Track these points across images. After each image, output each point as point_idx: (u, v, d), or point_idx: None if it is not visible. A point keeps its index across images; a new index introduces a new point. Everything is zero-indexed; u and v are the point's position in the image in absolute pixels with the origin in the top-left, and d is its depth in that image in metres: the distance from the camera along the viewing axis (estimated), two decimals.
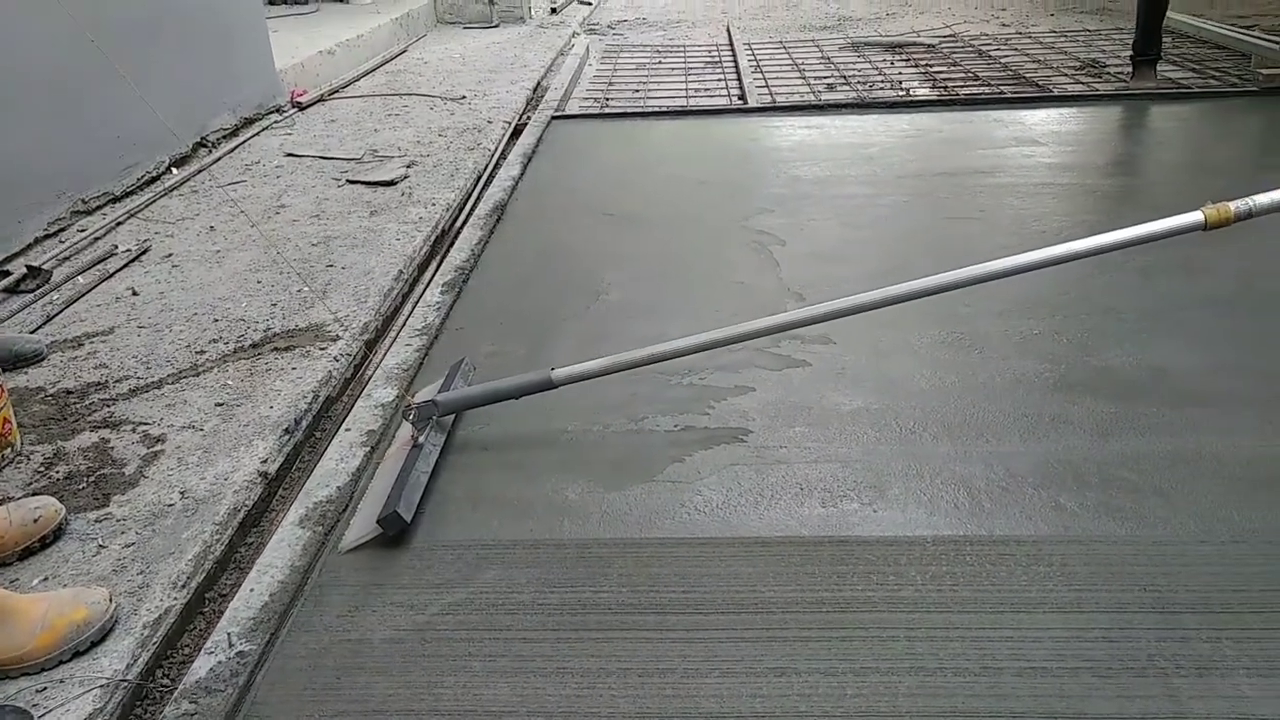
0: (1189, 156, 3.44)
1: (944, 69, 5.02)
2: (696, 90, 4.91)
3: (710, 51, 5.89)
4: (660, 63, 5.66)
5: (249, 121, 4.25)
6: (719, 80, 5.10)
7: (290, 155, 3.85)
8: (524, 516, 1.63)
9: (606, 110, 4.55)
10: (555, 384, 1.74)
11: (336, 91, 4.96)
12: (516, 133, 4.15)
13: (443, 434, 1.80)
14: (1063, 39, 5.58)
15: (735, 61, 5.45)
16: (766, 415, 1.89)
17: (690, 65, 5.53)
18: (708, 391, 1.98)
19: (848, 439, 1.80)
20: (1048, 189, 3.07)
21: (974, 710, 1.21)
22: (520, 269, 2.70)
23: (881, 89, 4.67)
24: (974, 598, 1.39)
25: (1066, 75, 4.69)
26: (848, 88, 4.70)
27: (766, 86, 4.84)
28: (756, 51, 5.74)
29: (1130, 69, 4.37)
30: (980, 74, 4.81)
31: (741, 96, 4.65)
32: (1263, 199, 1.63)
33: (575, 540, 1.56)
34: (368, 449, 1.84)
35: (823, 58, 5.48)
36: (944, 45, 5.58)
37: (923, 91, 4.57)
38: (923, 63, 5.19)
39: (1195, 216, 1.63)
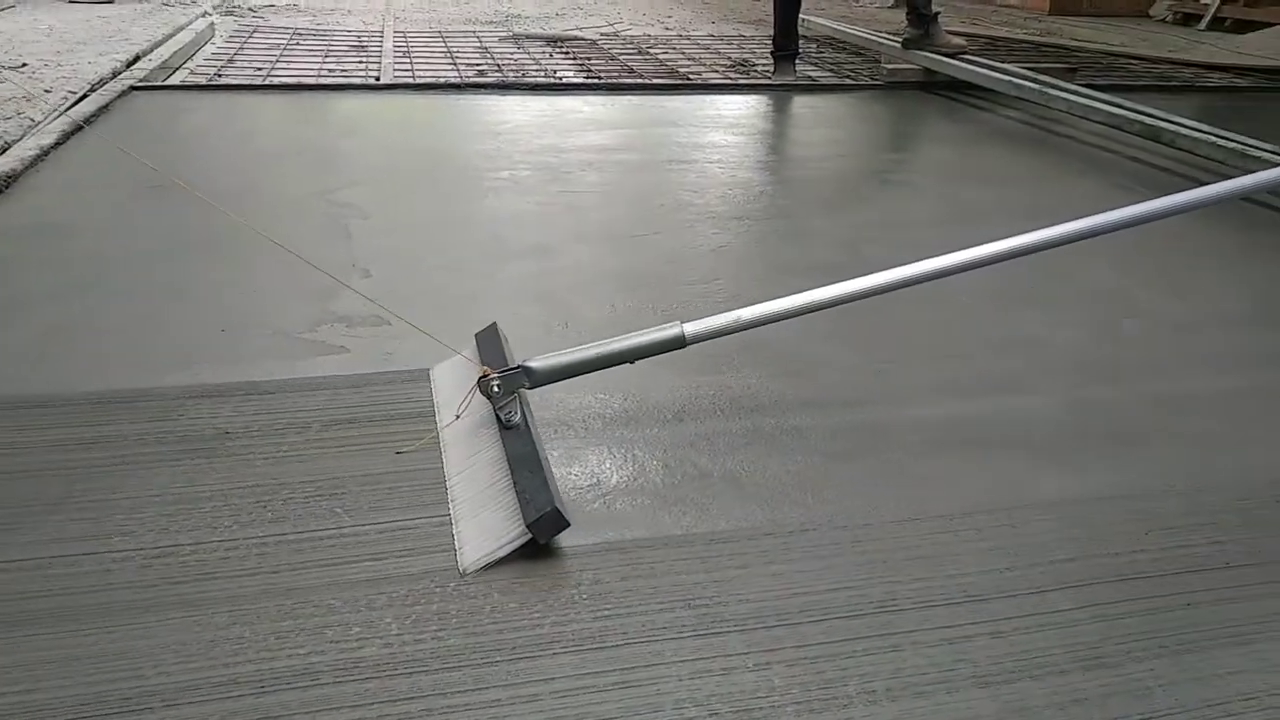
0: (819, 136, 3.40)
1: (602, 63, 4.82)
2: (332, 70, 4.35)
3: (358, 37, 5.33)
4: (298, 44, 5.03)
5: None
6: (359, 63, 4.57)
7: None
8: None
9: (211, 84, 3.87)
10: (688, 341, 1.34)
11: None
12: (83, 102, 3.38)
13: (528, 409, 1.35)
14: (719, 42, 5.60)
15: (382, 47, 4.95)
16: None
17: (332, 48, 4.94)
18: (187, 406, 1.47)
19: (306, 445, 1.36)
20: (677, 165, 2.85)
21: None
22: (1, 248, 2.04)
23: (535, 77, 4.37)
24: (466, 646, 0.99)
25: (717, 72, 4.63)
26: (500, 74, 4.36)
27: (411, 71, 4.39)
28: (411, 40, 5.27)
29: (772, 65, 4.39)
30: (635, 68, 4.65)
31: (377, 77, 4.16)
32: None
33: None
34: None
35: (480, 48, 5.12)
36: (604, 42, 5.42)
37: (576, 81, 4.32)
38: (581, 56, 4.97)
39: None
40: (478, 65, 4.58)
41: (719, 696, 0.93)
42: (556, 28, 5.97)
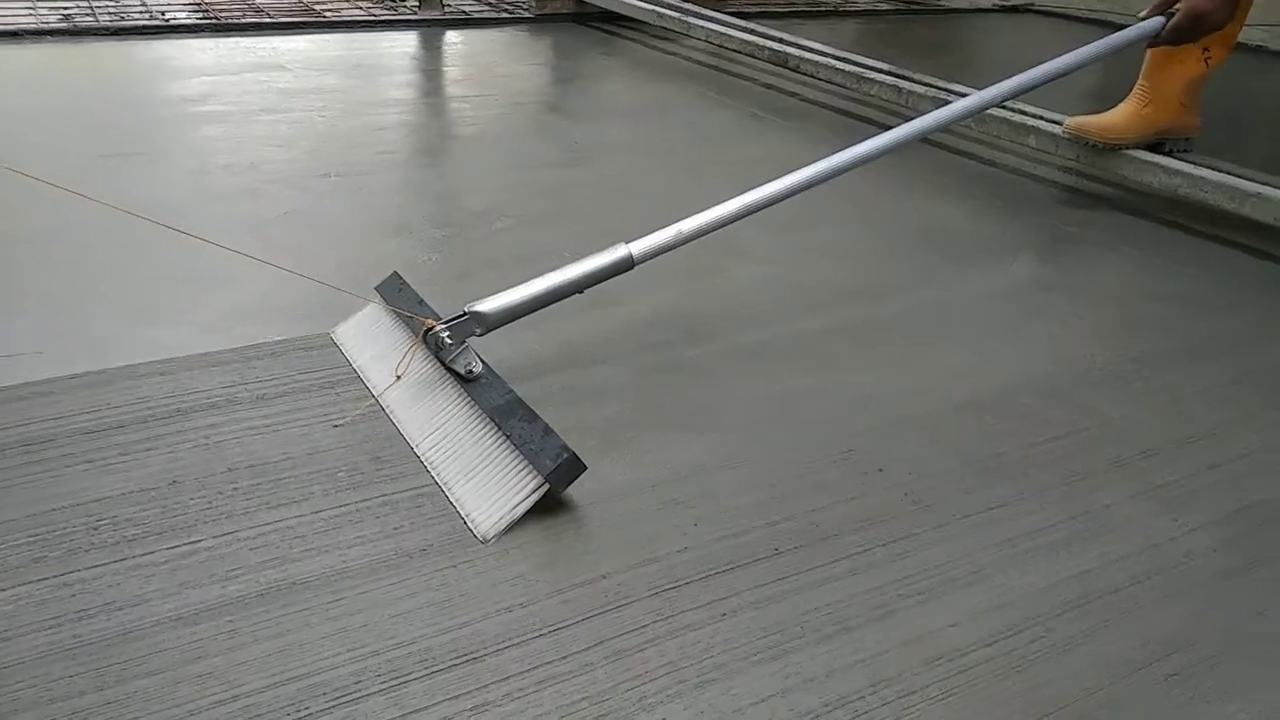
0: (453, 75, 3.08)
1: (224, 1, 4.20)
2: None
3: None
4: None
5: None
6: None
7: None
8: None
9: None
10: (635, 261, 1.28)
11: None
12: None
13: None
14: None
15: None
16: None
17: None
18: None
19: None
20: (266, 116, 2.43)
21: None
22: None
23: (139, 17, 3.70)
24: None
25: (361, 8, 4.17)
26: (91, 18, 3.65)
27: None
28: None
29: None
30: (263, 6, 4.09)
31: None
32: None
33: None
34: None
35: None
36: None
37: (183, 22, 3.70)
38: None
39: (1157, 22, 1.82)
40: (65, 8, 3.83)
41: None
42: None
